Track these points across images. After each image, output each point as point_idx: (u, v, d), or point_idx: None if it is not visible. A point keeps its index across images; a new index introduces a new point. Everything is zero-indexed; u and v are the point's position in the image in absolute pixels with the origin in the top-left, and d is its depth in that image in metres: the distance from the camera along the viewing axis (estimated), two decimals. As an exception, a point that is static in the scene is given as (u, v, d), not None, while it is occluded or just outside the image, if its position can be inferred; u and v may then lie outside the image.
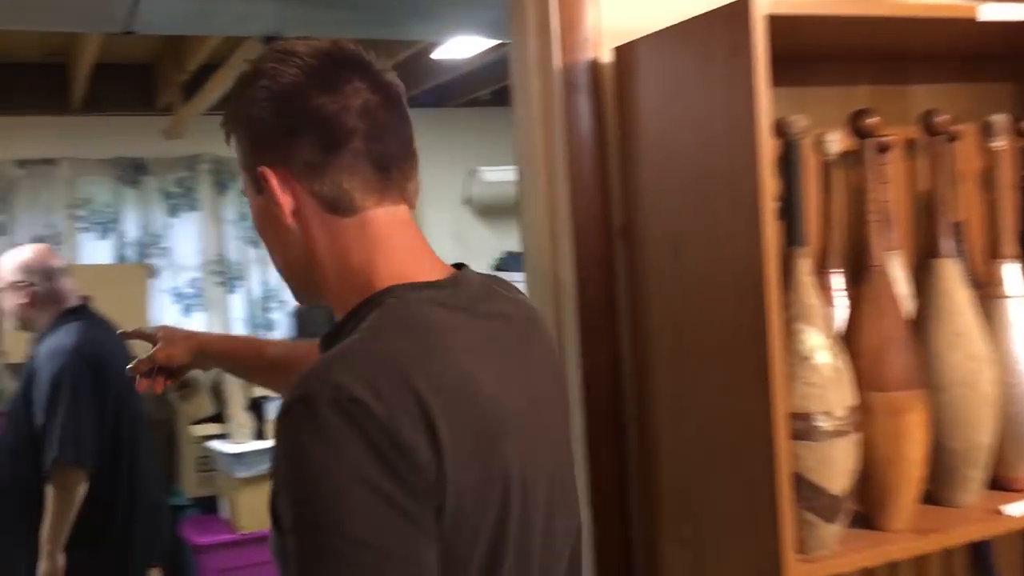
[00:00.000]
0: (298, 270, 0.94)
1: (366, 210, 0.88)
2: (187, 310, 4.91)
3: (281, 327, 5.14)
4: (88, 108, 4.57)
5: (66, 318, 2.61)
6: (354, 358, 0.78)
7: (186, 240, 4.93)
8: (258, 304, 5.08)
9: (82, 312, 2.69)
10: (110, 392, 2.57)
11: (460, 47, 3.87)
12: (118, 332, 1.48)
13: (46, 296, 2.58)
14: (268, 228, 0.93)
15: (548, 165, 1.35)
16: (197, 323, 4.85)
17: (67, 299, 2.65)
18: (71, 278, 2.73)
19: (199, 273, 4.95)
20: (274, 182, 0.88)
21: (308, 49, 0.89)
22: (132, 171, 4.76)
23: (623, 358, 1.33)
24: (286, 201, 0.88)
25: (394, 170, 0.90)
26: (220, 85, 3.78)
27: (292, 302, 5.04)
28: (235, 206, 5.05)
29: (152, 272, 4.66)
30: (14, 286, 2.57)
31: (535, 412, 0.90)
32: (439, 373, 0.79)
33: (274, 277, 5.17)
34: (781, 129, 1.18)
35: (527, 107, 1.37)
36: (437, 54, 4.06)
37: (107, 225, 4.73)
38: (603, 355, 1.32)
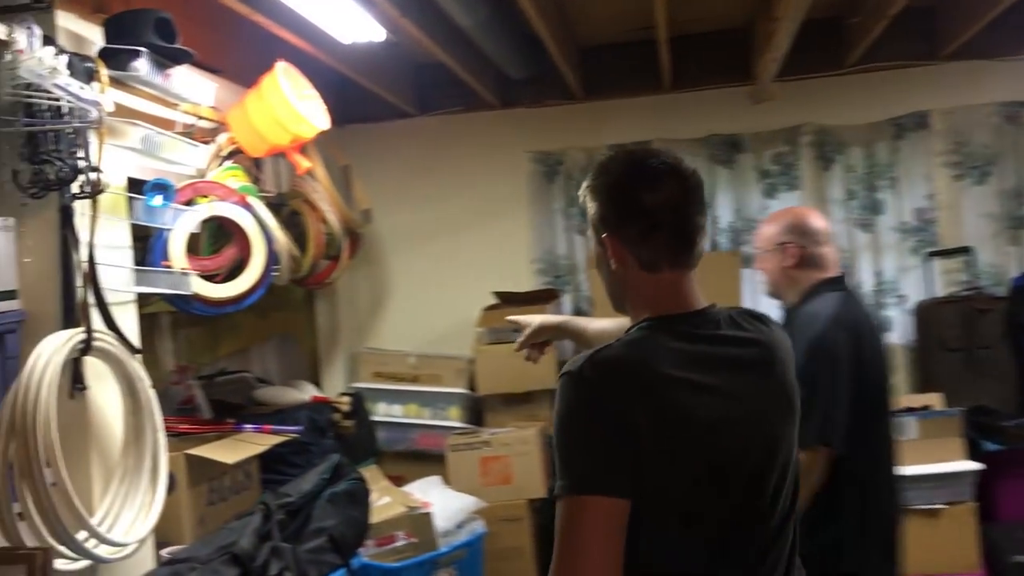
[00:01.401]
0: (615, 296, 1.51)
1: (663, 271, 1.41)
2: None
3: (898, 326, 4.25)
4: (679, 84, 4.25)
5: (823, 287, 2.38)
6: (601, 356, 1.32)
7: (784, 224, 4.33)
8: (870, 297, 4.24)
9: (839, 283, 2.43)
10: (867, 371, 2.30)
11: None
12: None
13: (810, 260, 2.41)
14: (603, 269, 1.49)
15: None
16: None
17: (827, 267, 2.43)
18: (833, 245, 2.52)
19: (797, 261, 4.31)
20: (611, 244, 1.42)
21: (640, 153, 1.48)
22: (726, 149, 4.31)
23: None
24: (616, 257, 1.42)
25: (684, 249, 1.41)
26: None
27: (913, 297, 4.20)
28: (841, 183, 4.29)
29: (745, 260, 4.18)
30: (781, 247, 2.43)
31: (738, 408, 1.36)
32: (645, 373, 1.31)
33: (889, 268, 4.28)
34: None
35: None
36: None
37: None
38: None
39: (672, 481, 1.28)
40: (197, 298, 2.79)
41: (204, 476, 2.88)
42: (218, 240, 3.04)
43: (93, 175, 2.27)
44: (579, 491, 1.24)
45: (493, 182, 4.49)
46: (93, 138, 2.30)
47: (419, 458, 4.17)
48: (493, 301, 4.22)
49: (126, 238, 2.60)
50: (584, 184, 1.46)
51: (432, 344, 4.35)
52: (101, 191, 2.30)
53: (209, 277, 2.89)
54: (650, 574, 1.29)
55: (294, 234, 3.65)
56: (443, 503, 3.26)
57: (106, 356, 2.35)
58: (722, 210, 4.33)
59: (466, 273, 4.46)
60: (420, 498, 3.25)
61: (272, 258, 3.00)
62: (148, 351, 3.81)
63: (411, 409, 4.23)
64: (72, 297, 2.27)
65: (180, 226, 2.75)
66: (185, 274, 2.72)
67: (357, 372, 4.34)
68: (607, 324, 1.87)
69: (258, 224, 2.95)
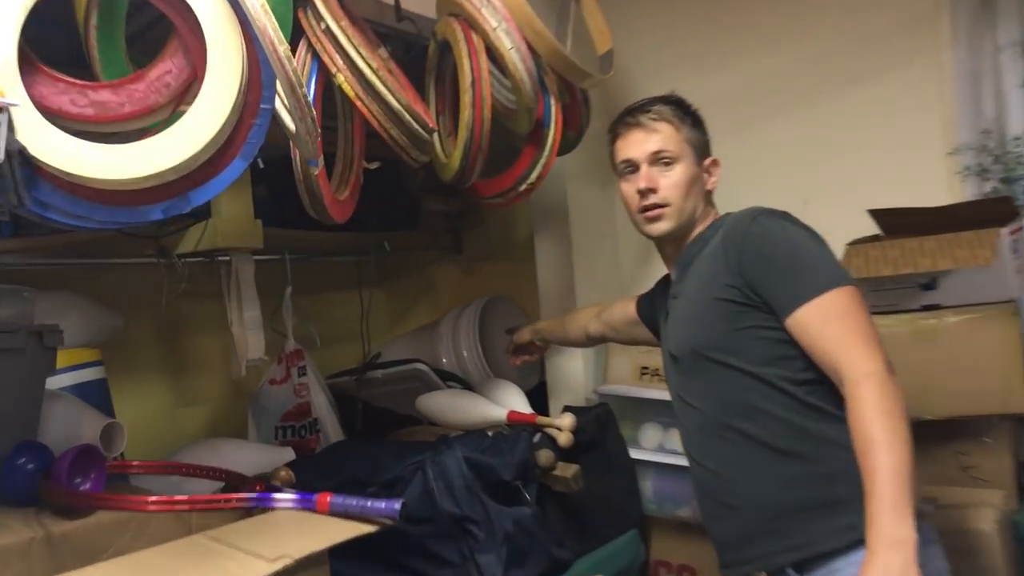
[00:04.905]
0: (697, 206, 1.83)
1: None
2: None
3: None
4: None
5: None
6: (757, 208, 1.64)
7: None
8: None
9: None
10: None
11: None
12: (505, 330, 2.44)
13: None
14: (696, 187, 1.77)
15: None
16: None
17: None
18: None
19: None
20: (711, 164, 1.79)
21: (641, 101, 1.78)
22: None
23: None
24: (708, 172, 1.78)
25: None
26: None
27: None
28: None
29: None
30: None
31: None
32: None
33: None
34: None
35: None
36: None
37: None
38: None
39: None
40: (47, 177, 1.07)
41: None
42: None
43: None
44: (849, 282, 1.55)
45: (869, 6, 2.34)
46: None
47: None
48: (870, 228, 2.11)
49: None
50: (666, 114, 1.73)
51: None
52: None
53: (110, 135, 1.18)
54: None
55: (449, 90, 1.86)
56: None
57: None
58: None
59: (820, 177, 2.37)
60: None
61: (269, 81, 1.19)
62: (220, 329, 2.21)
63: (706, 440, 2.24)
64: None
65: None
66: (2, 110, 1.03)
67: (607, 367, 2.43)
68: (579, 315, 2.23)
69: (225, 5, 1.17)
